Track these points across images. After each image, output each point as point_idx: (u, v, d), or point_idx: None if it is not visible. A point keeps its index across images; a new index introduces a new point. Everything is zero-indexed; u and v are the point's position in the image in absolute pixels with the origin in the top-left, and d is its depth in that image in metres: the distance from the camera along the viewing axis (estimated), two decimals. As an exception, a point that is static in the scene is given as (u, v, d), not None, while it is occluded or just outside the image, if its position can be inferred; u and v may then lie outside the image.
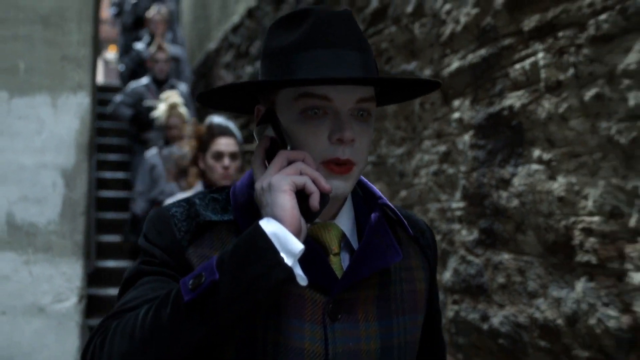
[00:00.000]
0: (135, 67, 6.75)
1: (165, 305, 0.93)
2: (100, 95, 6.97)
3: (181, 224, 1.06)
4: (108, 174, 6.60)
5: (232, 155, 2.96)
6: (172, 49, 6.81)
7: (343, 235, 1.11)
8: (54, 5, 3.47)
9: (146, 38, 6.82)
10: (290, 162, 1.00)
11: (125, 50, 7.71)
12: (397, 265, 1.13)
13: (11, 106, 3.39)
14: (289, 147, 1.03)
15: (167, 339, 0.92)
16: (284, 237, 0.92)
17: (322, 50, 1.01)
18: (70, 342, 3.46)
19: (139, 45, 6.86)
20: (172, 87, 5.96)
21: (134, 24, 7.72)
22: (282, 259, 0.91)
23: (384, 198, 1.15)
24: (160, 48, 6.18)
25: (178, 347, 0.92)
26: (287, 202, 0.94)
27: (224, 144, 2.96)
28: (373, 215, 1.11)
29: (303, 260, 0.97)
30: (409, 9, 3.18)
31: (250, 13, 5.78)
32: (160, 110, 5.11)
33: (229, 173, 2.95)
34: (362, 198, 1.17)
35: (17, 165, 3.36)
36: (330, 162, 1.02)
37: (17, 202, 3.37)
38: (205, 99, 1.10)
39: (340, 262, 1.08)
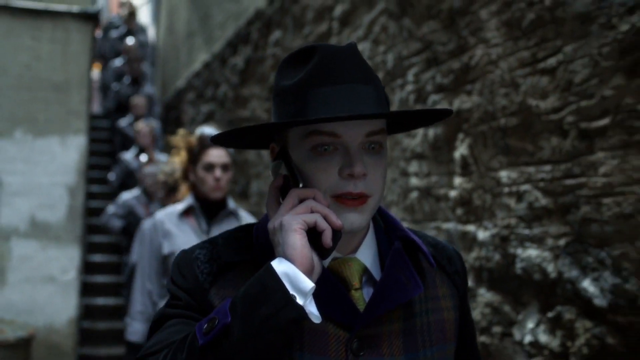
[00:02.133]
0: (125, 177, 7.05)
1: (181, 350, 0.95)
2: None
3: (204, 265, 1.09)
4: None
5: (224, 167, 2.90)
6: (148, 88, 8.62)
7: (365, 269, 1.10)
8: (62, 77, 5.39)
9: (134, 149, 7.19)
10: (301, 200, 1.01)
11: (112, 131, 8.65)
12: (423, 296, 1.12)
13: (34, 144, 5.30)
14: (300, 185, 1.04)
15: None
16: (294, 276, 0.94)
17: (329, 86, 1.02)
18: (71, 301, 5.34)
19: (127, 155, 7.16)
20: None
21: (116, 109, 8.62)
22: (292, 298, 0.92)
23: (405, 229, 1.15)
24: (150, 160, 6.47)
25: None
26: (297, 241, 0.96)
27: (216, 155, 2.89)
28: (393, 248, 1.11)
29: (324, 296, 1.01)
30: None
31: (206, 65, 7.73)
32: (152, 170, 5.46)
33: (221, 185, 2.90)
34: (384, 230, 1.17)
35: (37, 183, 5.27)
36: (343, 197, 1.03)
37: (37, 208, 5.27)
38: (220, 140, 1.11)
39: (363, 297, 1.09)
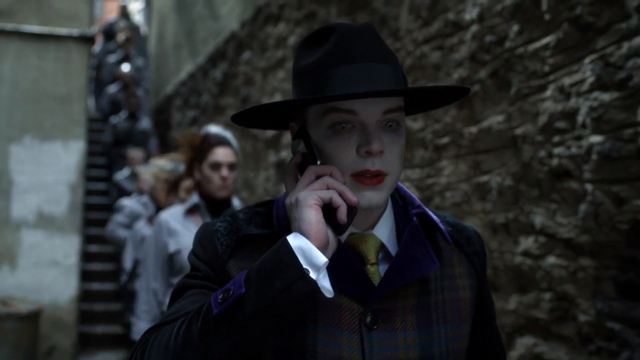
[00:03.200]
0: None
1: (196, 319, 0.98)
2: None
3: (224, 238, 1.13)
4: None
5: (230, 166, 2.91)
6: (144, 123, 8.97)
7: (382, 245, 1.13)
8: (65, 91, 6.40)
9: (127, 172, 7.52)
10: (318, 177, 1.04)
11: (110, 164, 9.08)
12: (438, 273, 1.15)
13: (41, 148, 6.31)
14: (318, 162, 1.08)
15: (198, 351, 0.97)
16: (308, 250, 0.96)
17: (347, 65, 1.04)
18: (72, 282, 6.36)
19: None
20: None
21: (114, 142, 8.97)
22: (305, 272, 0.95)
23: (423, 206, 1.17)
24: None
25: (209, 359, 0.97)
26: (312, 216, 0.98)
27: (222, 154, 2.89)
28: (410, 225, 1.13)
29: (340, 270, 1.05)
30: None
31: (191, 75, 8.74)
32: (147, 176, 5.47)
33: (227, 184, 2.90)
34: (402, 207, 1.19)
35: (44, 182, 6.28)
36: (360, 175, 1.05)
37: (44, 202, 6.28)
38: (239, 119, 1.13)
39: (378, 272, 1.11)
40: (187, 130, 3.12)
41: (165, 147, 9.03)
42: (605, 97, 2.33)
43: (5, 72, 6.21)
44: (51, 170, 6.30)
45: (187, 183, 3.38)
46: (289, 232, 1.03)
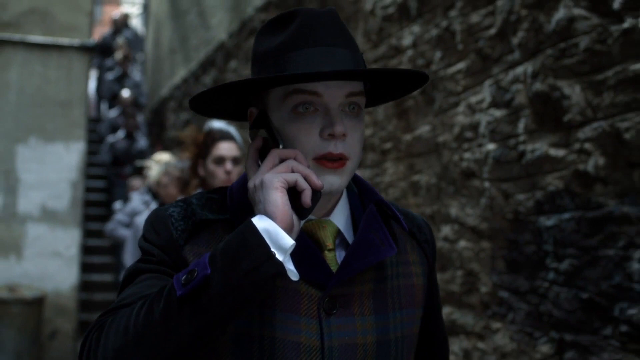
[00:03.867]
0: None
1: (158, 301, 0.97)
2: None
3: (178, 223, 1.11)
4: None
5: (234, 160, 2.92)
6: (141, 143, 9.23)
7: (338, 231, 1.15)
8: (66, 96, 7.04)
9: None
10: (282, 161, 1.04)
11: (108, 185, 9.35)
12: (394, 260, 1.17)
13: (44, 149, 6.96)
14: (281, 146, 1.07)
15: (160, 333, 0.95)
16: (275, 232, 0.96)
17: (310, 48, 1.05)
18: (73, 271, 7.01)
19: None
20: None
21: (112, 162, 9.16)
22: (272, 254, 0.95)
23: (379, 195, 1.20)
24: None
25: (171, 342, 0.95)
26: (278, 198, 0.98)
27: (226, 148, 2.90)
28: (367, 211, 1.15)
29: (298, 256, 1.03)
30: None
31: (184, 80, 9.38)
32: (154, 169, 5.26)
33: (231, 178, 2.89)
34: (357, 195, 1.21)
35: (48, 179, 6.93)
36: (323, 158, 1.06)
37: (47, 198, 6.93)
38: (196, 105, 1.13)
39: (335, 258, 1.13)
40: (191, 128, 3.10)
41: (161, 146, 9.65)
42: (498, 113, 2.98)
43: (12, 79, 6.85)
44: (54, 168, 6.94)
45: (196, 181, 3.32)
46: (245, 217, 1.05)
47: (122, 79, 10.67)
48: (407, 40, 3.71)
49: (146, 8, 13.52)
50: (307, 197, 1.01)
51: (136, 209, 5.69)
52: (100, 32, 13.11)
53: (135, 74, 11.08)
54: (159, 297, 0.98)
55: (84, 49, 7.07)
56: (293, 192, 1.02)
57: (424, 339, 1.26)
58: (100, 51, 11.43)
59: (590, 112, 2.50)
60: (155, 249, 1.11)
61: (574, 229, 2.57)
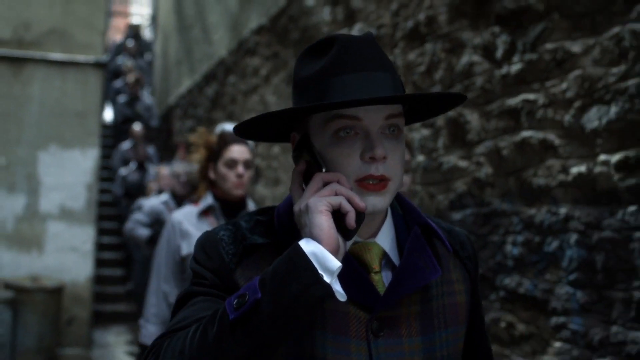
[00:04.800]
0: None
1: (211, 324, 1.02)
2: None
3: (229, 247, 1.16)
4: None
5: (246, 164, 2.92)
6: (152, 173, 9.02)
7: (384, 253, 1.18)
8: (82, 107, 7.98)
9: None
10: (325, 184, 1.08)
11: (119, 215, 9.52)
12: (438, 280, 1.20)
13: (63, 155, 7.91)
14: (324, 170, 1.11)
15: (214, 356, 1.00)
16: (322, 255, 1.00)
17: (349, 74, 1.10)
18: (88, 265, 7.94)
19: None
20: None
21: (125, 194, 9.42)
22: (320, 277, 0.99)
23: (423, 216, 1.23)
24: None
25: None
26: (324, 222, 1.02)
27: (238, 151, 2.90)
28: (412, 233, 1.19)
29: (345, 278, 1.07)
30: None
31: (189, 90, 10.33)
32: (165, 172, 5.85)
33: (243, 182, 2.90)
34: (402, 216, 1.24)
35: (66, 182, 7.88)
36: (365, 180, 1.10)
37: (65, 199, 7.88)
38: (241, 130, 1.18)
39: (382, 280, 1.16)
40: (202, 130, 3.09)
41: (168, 152, 10.59)
42: (425, 132, 3.88)
43: (35, 92, 7.81)
44: (71, 172, 7.88)
45: (205, 184, 3.23)
46: (292, 239, 1.09)
47: (133, 103, 10.99)
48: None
49: (154, 20, 14.49)
50: (351, 219, 1.04)
51: (155, 208, 5.79)
52: (110, 41, 13.93)
53: (146, 96, 11.37)
54: (212, 321, 1.02)
55: (98, 65, 8.01)
56: (338, 215, 1.05)
57: (468, 353, 1.29)
58: (112, 75, 11.82)
59: (483, 134, 3.41)
60: (208, 272, 1.15)
61: (473, 221, 3.47)
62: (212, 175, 2.98)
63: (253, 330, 0.99)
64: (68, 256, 7.84)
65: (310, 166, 1.14)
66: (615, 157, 2.61)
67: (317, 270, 0.99)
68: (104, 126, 11.44)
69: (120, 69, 11.97)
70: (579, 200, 2.80)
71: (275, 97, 6.34)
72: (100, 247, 9.76)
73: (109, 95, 11.83)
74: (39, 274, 7.54)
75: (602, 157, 2.68)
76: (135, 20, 14.50)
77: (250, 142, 3.03)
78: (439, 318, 1.19)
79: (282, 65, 6.25)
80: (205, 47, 9.46)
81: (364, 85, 1.10)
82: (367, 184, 1.10)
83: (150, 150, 10.12)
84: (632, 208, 2.53)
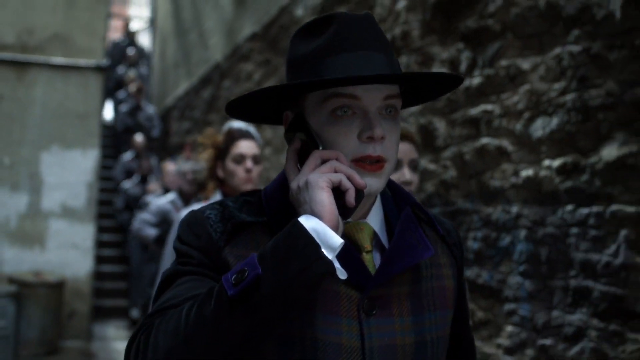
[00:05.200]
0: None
1: (208, 301, 0.99)
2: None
3: (216, 225, 1.14)
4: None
5: (255, 159, 2.91)
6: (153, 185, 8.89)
7: (374, 233, 1.18)
8: (83, 110, 8.36)
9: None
10: (324, 162, 1.07)
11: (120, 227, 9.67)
12: (428, 262, 1.20)
13: (64, 155, 8.28)
14: (320, 148, 1.10)
15: (211, 334, 0.97)
16: (323, 232, 0.99)
17: (347, 53, 1.08)
18: (88, 260, 8.32)
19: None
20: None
21: (125, 207, 9.62)
22: (323, 253, 0.98)
23: (414, 198, 1.24)
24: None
25: (222, 342, 0.98)
26: (325, 198, 1.01)
27: (246, 146, 2.91)
28: (404, 214, 1.19)
29: (338, 257, 1.03)
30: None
31: (187, 92, 10.70)
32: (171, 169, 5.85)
33: (252, 177, 2.89)
34: (391, 197, 1.24)
35: (67, 181, 8.25)
36: (361, 160, 1.09)
37: (67, 198, 8.26)
38: (232, 109, 1.17)
39: (372, 260, 1.16)
40: (209, 129, 3.14)
41: (165, 152, 10.96)
42: (400, 137, 4.26)
43: (38, 95, 8.19)
44: (73, 172, 8.26)
45: (214, 183, 3.25)
46: (283, 219, 1.10)
47: (135, 112, 11.11)
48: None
49: (153, 22, 14.87)
50: (351, 196, 1.03)
51: (163, 207, 5.74)
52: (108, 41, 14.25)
53: (149, 106, 11.47)
54: (209, 298, 0.99)
55: (98, 69, 8.39)
56: (336, 192, 1.04)
57: (453, 341, 1.28)
58: (115, 86, 11.95)
59: (449, 140, 3.79)
60: (194, 250, 1.13)
61: (440, 219, 3.85)
62: (220, 173, 2.98)
63: (253, 307, 0.97)
64: (69, 252, 8.20)
65: (306, 145, 1.13)
66: (556, 163, 2.99)
67: (319, 247, 0.98)
68: (105, 126, 11.82)
69: (122, 78, 12.12)
70: (528, 201, 3.18)
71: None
72: (99, 244, 10.13)
73: (111, 99, 12.01)
74: (41, 269, 7.91)
75: (546, 162, 3.06)
76: (133, 25, 14.79)
77: (258, 138, 3.03)
78: (428, 300, 1.18)
79: (273, 71, 6.63)
80: (202, 51, 9.84)
81: (363, 64, 1.09)
82: (364, 164, 1.09)
83: (153, 160, 10.13)
84: (569, 207, 2.91)
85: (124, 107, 11.22)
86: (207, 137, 3.02)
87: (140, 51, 13.95)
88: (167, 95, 12.60)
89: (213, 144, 2.98)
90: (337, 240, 1.00)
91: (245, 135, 2.95)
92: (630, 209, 2.60)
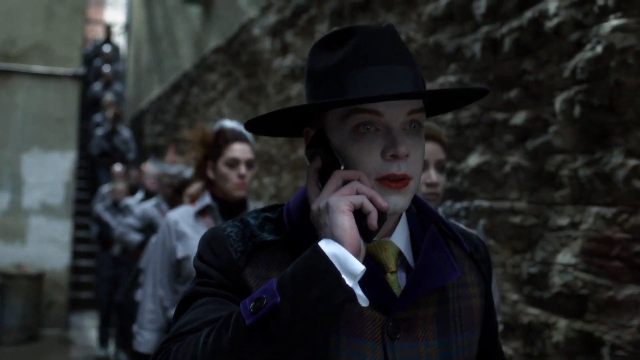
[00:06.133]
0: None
1: (226, 329, 0.97)
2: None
3: (237, 244, 1.12)
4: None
5: (248, 164, 2.80)
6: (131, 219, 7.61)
7: (399, 252, 1.14)
8: (62, 114, 9.11)
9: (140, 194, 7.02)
10: (345, 182, 1.04)
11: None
12: (454, 282, 1.17)
13: (44, 157, 9.03)
14: (342, 167, 1.07)
15: None
16: (344, 258, 0.97)
17: (370, 67, 1.06)
18: (66, 255, 9.07)
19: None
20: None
21: (98, 237, 8.58)
22: (343, 281, 0.95)
23: (439, 215, 1.21)
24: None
25: None
26: (346, 222, 0.99)
27: (240, 150, 2.78)
28: (429, 232, 1.16)
29: (361, 279, 1.00)
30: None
31: (159, 97, 11.47)
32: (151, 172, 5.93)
33: (245, 182, 2.78)
34: (416, 215, 1.21)
35: (47, 181, 9.01)
36: (386, 179, 1.06)
37: (46, 196, 9.01)
38: (253, 126, 1.15)
39: (397, 280, 1.13)
40: (199, 126, 3.00)
41: (140, 155, 11.71)
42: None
43: (19, 101, 8.94)
44: (52, 172, 9.02)
45: (192, 189, 3.17)
46: (304, 238, 1.09)
47: (111, 136, 11.19)
48: (294, 91, 5.85)
49: (128, 28, 15.60)
50: (373, 219, 1.01)
51: (148, 212, 5.65)
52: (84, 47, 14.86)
53: (124, 130, 11.52)
54: (227, 326, 0.98)
55: (76, 77, 9.16)
56: (358, 215, 1.02)
57: (482, 358, 1.25)
58: (90, 105, 12.15)
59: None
60: (214, 270, 1.11)
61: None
62: (210, 174, 2.86)
63: (271, 336, 0.95)
64: (48, 247, 8.95)
65: (326, 163, 1.10)
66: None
67: (339, 274, 0.96)
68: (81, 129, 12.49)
69: (99, 96, 12.28)
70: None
71: (229, 110, 7.54)
72: (76, 240, 10.88)
73: (86, 110, 12.13)
74: (22, 263, 8.64)
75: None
76: (109, 22, 15.49)
77: (252, 140, 2.93)
78: (455, 321, 1.16)
79: (234, 83, 7.45)
80: (173, 59, 10.63)
81: (386, 78, 1.06)
82: (389, 182, 1.06)
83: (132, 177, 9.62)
84: (448, 203, 3.77)
85: (99, 131, 11.33)
86: (195, 134, 2.91)
87: (116, 50, 14.56)
88: (141, 99, 13.34)
89: (203, 142, 2.87)
90: (359, 267, 0.98)
91: (239, 137, 2.84)
92: (485, 203, 3.46)
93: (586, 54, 2.79)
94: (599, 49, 2.72)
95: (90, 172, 11.43)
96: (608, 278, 2.69)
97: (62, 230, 9.06)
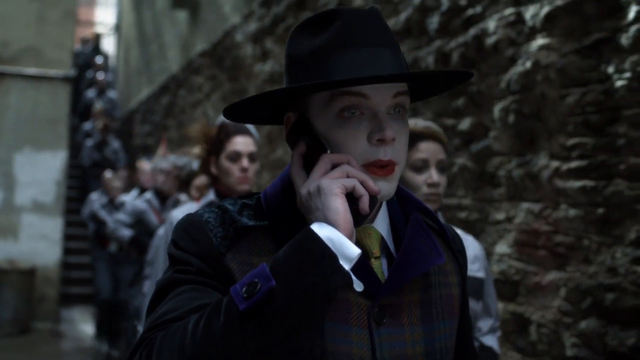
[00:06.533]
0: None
1: (217, 315, 0.94)
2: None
3: (217, 229, 1.08)
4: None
5: (251, 157, 2.74)
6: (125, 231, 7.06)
7: (382, 239, 1.14)
8: (53, 115, 9.44)
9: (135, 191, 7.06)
10: (334, 166, 1.03)
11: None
12: (436, 268, 1.16)
13: (36, 156, 9.37)
14: (329, 151, 1.06)
15: (221, 350, 0.93)
16: (339, 241, 0.95)
17: (354, 50, 1.03)
18: (57, 251, 9.39)
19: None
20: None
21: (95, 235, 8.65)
22: (340, 265, 0.94)
23: (422, 203, 1.20)
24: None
25: (233, 359, 0.93)
26: (339, 205, 0.97)
27: (242, 143, 2.72)
28: (412, 218, 1.15)
29: None
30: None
31: (148, 98, 11.81)
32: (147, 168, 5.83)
33: (248, 176, 2.72)
34: (396, 202, 1.19)
35: (38, 179, 9.34)
36: (372, 165, 1.04)
37: (38, 194, 9.35)
38: (232, 112, 1.13)
39: (380, 266, 1.12)
40: (201, 122, 2.98)
41: (129, 154, 12.06)
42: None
43: (12, 102, 9.27)
44: (43, 171, 9.35)
45: (199, 180, 3.14)
46: (285, 224, 1.08)
47: (101, 146, 11.17)
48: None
49: (117, 29, 15.93)
50: (365, 203, 1.00)
51: (138, 207, 5.69)
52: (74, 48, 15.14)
53: (114, 140, 11.51)
54: (217, 312, 0.95)
55: (66, 79, 9.51)
56: (349, 198, 1.00)
57: (457, 352, 1.23)
58: (80, 114, 12.25)
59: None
60: (193, 257, 1.07)
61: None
62: (214, 170, 2.80)
63: (266, 322, 0.93)
64: (40, 243, 9.27)
65: (311, 148, 1.08)
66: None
67: (337, 258, 0.95)
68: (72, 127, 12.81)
69: (89, 103, 12.41)
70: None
71: (214, 111, 7.90)
72: (67, 237, 11.20)
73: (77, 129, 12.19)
74: (15, 258, 8.96)
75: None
76: (99, 29, 15.80)
77: (255, 133, 2.89)
78: (437, 308, 1.16)
79: (219, 86, 7.81)
80: (161, 62, 10.98)
81: (371, 61, 1.04)
82: (375, 168, 1.05)
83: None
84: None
85: (89, 142, 11.26)
86: (199, 131, 2.85)
87: (106, 59, 14.82)
88: (130, 99, 13.68)
89: (205, 138, 2.81)
90: (355, 251, 0.97)
91: (241, 130, 2.77)
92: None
93: (518, 68, 3.19)
94: (528, 64, 3.11)
95: (81, 182, 11.63)
96: (535, 265, 3.09)
97: (53, 227, 9.38)
